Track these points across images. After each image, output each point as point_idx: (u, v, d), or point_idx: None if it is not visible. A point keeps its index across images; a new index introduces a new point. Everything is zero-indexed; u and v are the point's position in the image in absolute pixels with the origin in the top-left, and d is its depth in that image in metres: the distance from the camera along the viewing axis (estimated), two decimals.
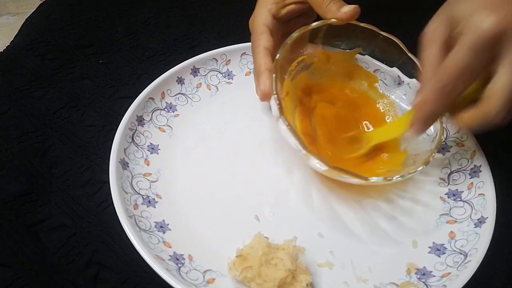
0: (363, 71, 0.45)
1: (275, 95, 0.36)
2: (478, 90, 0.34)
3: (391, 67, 0.44)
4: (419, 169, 0.37)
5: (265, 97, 0.38)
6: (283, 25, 0.43)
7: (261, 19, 0.41)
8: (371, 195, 0.41)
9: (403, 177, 0.36)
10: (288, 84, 0.40)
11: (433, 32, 0.34)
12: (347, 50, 0.44)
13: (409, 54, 0.41)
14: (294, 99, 0.42)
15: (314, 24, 0.39)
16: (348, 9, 0.38)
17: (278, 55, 0.37)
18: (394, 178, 0.36)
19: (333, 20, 0.39)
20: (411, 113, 0.36)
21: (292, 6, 0.42)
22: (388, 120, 0.45)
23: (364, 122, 0.45)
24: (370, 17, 0.40)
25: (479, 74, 0.33)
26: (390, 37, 0.41)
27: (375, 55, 0.44)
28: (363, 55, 0.44)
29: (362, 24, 0.40)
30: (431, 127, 0.39)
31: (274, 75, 0.36)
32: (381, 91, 0.46)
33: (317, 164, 0.36)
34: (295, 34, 0.38)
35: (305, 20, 0.44)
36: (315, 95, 0.44)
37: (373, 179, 0.36)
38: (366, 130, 0.45)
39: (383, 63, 0.45)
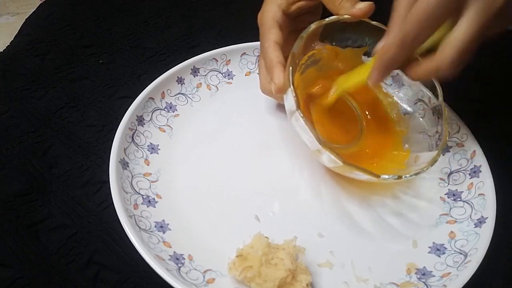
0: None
1: (292, 88, 0.35)
2: (437, 40, 0.33)
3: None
4: (427, 168, 0.37)
5: (279, 91, 0.38)
6: (291, 22, 0.43)
7: (270, 14, 0.41)
8: (378, 193, 0.42)
9: (417, 175, 0.36)
10: (298, 78, 0.40)
11: None
12: (355, 49, 0.43)
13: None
14: (302, 94, 0.42)
15: (328, 19, 0.38)
16: (363, 5, 0.38)
17: (294, 49, 0.37)
18: (404, 176, 0.36)
19: (346, 16, 0.38)
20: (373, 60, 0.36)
21: (302, 3, 0.41)
22: (392, 116, 0.45)
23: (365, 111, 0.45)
24: (379, 15, 0.39)
25: (441, 24, 0.32)
26: None
27: None
28: (368, 56, 0.44)
29: (373, 23, 0.40)
30: (435, 127, 0.40)
31: (290, 68, 0.36)
32: (385, 91, 0.46)
33: (330, 159, 0.35)
34: (311, 28, 0.38)
35: (312, 17, 0.44)
36: (320, 90, 0.44)
37: (385, 176, 0.35)
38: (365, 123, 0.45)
39: None
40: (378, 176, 0.35)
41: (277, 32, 0.40)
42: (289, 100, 0.36)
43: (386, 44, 0.33)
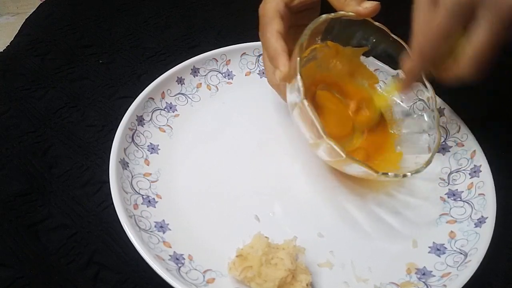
0: (366, 71, 0.45)
1: (299, 77, 0.35)
2: (458, 43, 0.35)
3: (395, 69, 0.44)
4: (422, 169, 0.37)
5: (285, 79, 0.38)
6: (291, 16, 0.42)
7: (273, 5, 0.40)
8: (378, 193, 0.42)
9: (416, 173, 0.37)
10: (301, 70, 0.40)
11: None
12: (356, 48, 0.43)
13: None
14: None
15: (334, 14, 0.38)
16: (369, 4, 0.38)
17: (302, 39, 0.37)
18: (403, 174, 0.36)
19: (351, 13, 0.38)
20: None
21: None
22: (386, 119, 0.45)
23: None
24: (381, 15, 0.39)
25: (455, 33, 0.34)
26: (399, 41, 0.41)
27: (380, 56, 0.44)
28: (367, 56, 0.44)
29: (376, 24, 0.40)
30: (428, 133, 0.41)
31: (298, 58, 0.36)
32: (379, 93, 0.46)
33: (331, 152, 0.35)
34: (321, 18, 0.38)
35: (312, 14, 0.44)
36: (317, 86, 0.44)
37: (383, 173, 0.35)
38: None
39: (387, 65, 0.45)
40: (377, 172, 0.35)
41: (280, 22, 0.40)
42: (295, 89, 0.36)
43: (410, 60, 0.37)
